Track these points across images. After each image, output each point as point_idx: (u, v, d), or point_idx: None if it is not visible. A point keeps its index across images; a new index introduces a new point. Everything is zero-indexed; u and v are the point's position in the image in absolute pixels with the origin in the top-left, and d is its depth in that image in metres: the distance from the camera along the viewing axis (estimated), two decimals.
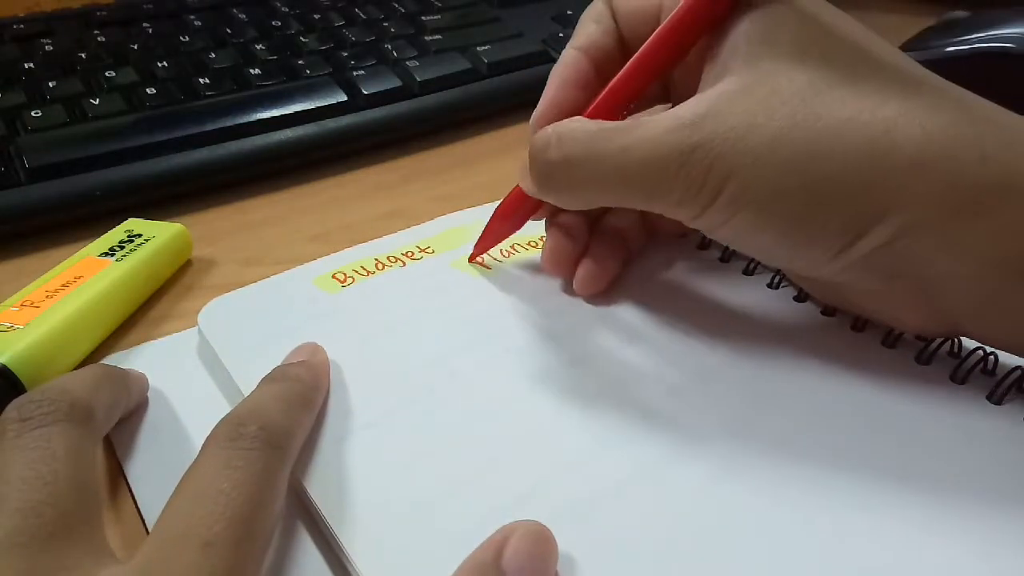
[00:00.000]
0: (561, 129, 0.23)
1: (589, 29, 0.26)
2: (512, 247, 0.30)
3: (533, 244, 0.30)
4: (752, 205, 0.21)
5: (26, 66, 0.38)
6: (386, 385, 0.23)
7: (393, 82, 0.40)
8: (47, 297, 0.26)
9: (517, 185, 0.27)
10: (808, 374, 0.23)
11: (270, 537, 0.18)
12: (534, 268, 0.29)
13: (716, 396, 0.23)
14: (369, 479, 0.20)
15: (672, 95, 0.27)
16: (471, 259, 0.29)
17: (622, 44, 0.26)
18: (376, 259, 0.29)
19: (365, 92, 0.39)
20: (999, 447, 0.21)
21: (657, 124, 0.21)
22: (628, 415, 0.22)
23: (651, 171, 0.21)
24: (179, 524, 0.16)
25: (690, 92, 0.22)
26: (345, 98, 0.38)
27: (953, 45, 0.44)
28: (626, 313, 0.26)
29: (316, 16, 0.46)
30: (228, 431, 0.19)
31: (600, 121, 0.23)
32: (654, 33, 0.23)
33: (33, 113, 0.35)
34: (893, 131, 0.20)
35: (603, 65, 0.26)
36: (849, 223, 0.20)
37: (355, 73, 0.40)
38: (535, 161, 0.24)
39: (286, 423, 0.20)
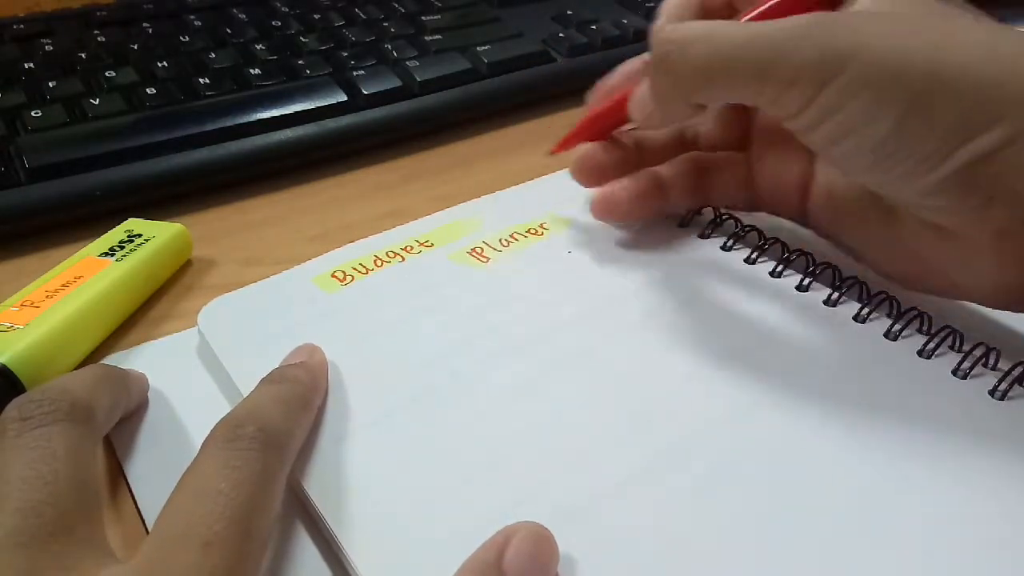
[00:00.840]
0: (686, 23, 0.23)
1: None
2: (512, 236, 0.30)
3: (533, 232, 0.30)
4: (872, 88, 0.20)
5: (26, 66, 0.38)
6: (386, 384, 0.23)
7: (393, 82, 0.40)
8: (47, 297, 0.26)
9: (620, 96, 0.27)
10: (809, 367, 0.23)
11: (269, 537, 0.18)
12: (533, 258, 0.29)
13: (716, 392, 0.23)
14: (369, 479, 0.20)
15: None
16: (553, 151, 0.30)
17: None
18: (375, 255, 0.29)
19: (365, 92, 0.39)
20: (1001, 442, 0.21)
21: (785, 19, 0.21)
22: (628, 413, 0.22)
23: (769, 43, 0.21)
24: (178, 524, 0.16)
25: None
26: (345, 98, 0.38)
27: None
28: (627, 306, 0.26)
29: (316, 16, 0.45)
30: (226, 432, 0.19)
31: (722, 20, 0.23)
32: None
33: (33, 113, 0.35)
34: (1008, 48, 0.20)
35: (712, 7, 0.26)
36: (963, 120, 0.20)
37: (355, 73, 0.40)
38: (657, 42, 0.24)
39: (284, 424, 0.20)
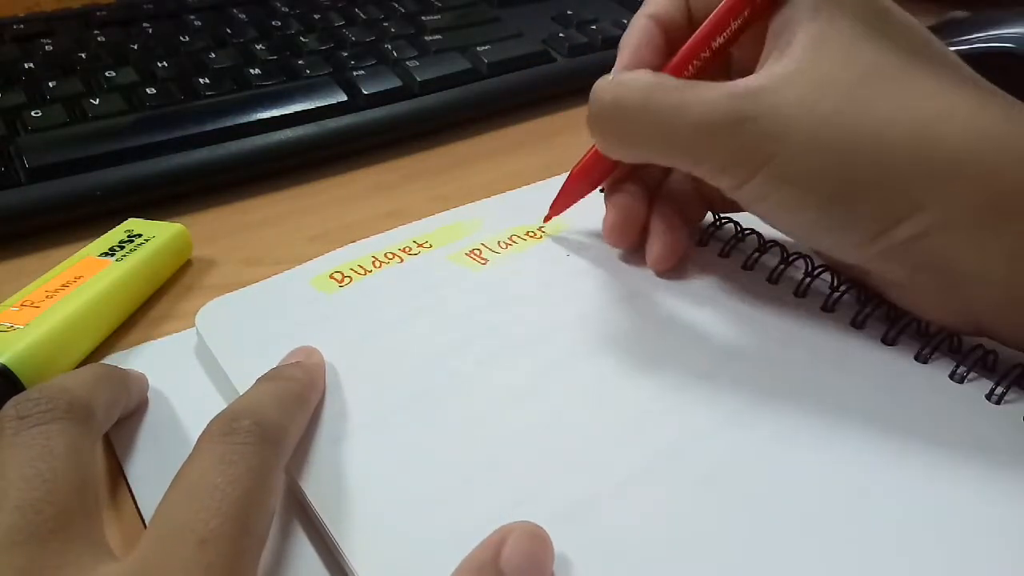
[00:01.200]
0: (622, 76, 0.24)
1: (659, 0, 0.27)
2: (511, 238, 0.30)
3: (531, 235, 0.30)
4: (793, 183, 0.21)
5: (26, 66, 0.38)
6: (384, 385, 0.23)
7: (393, 82, 0.40)
8: (47, 297, 0.26)
9: (594, 146, 0.27)
10: (807, 371, 0.23)
11: (266, 532, 0.18)
12: (532, 260, 0.29)
13: (716, 394, 0.23)
14: (366, 479, 0.20)
15: (732, 72, 0.28)
16: (546, 219, 0.30)
17: (689, 15, 0.26)
18: (373, 256, 0.29)
19: (365, 92, 0.39)
20: (999, 447, 0.21)
21: (716, 89, 0.22)
22: (628, 413, 0.22)
23: (702, 133, 0.22)
24: (175, 520, 0.16)
25: (750, 70, 0.23)
26: (345, 98, 0.38)
27: (953, 45, 0.44)
28: (625, 308, 0.26)
29: (316, 16, 0.45)
30: (222, 426, 0.19)
31: (662, 75, 0.24)
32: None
33: (33, 113, 0.35)
34: (937, 126, 0.20)
35: (672, 34, 0.26)
36: (884, 213, 0.21)
37: (355, 73, 0.40)
38: (592, 102, 0.24)
39: (280, 418, 0.20)
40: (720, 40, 0.24)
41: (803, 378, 0.23)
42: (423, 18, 0.46)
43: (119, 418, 0.23)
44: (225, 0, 0.47)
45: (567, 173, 0.29)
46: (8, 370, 0.23)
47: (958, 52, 0.44)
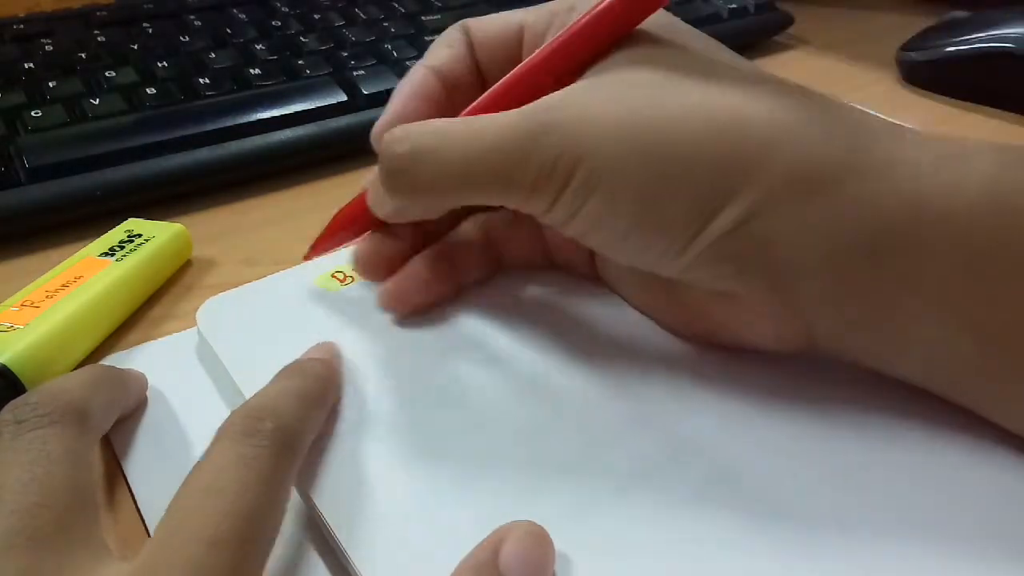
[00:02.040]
0: (411, 126, 0.22)
1: (441, 52, 0.26)
2: None
3: None
4: (603, 188, 0.20)
5: (26, 66, 0.38)
6: (385, 386, 0.23)
7: (393, 82, 0.39)
8: (47, 297, 0.26)
9: (362, 191, 0.25)
10: (806, 372, 0.23)
11: (275, 537, 0.18)
12: None
13: (715, 395, 0.23)
14: (367, 479, 0.20)
15: None
16: (306, 257, 0.27)
17: (477, 70, 0.25)
18: None
19: (365, 92, 0.39)
20: (997, 449, 0.21)
21: (510, 112, 0.21)
22: (628, 415, 0.22)
23: (502, 155, 0.21)
24: (185, 521, 0.16)
25: None
26: (345, 98, 0.38)
27: (953, 45, 0.44)
28: (624, 310, 0.26)
29: (316, 16, 0.46)
30: (243, 425, 0.18)
31: (449, 119, 0.22)
32: (542, 48, 0.23)
33: (33, 113, 0.35)
34: (740, 113, 0.20)
35: (453, 87, 0.25)
36: (699, 205, 0.20)
37: (355, 73, 0.40)
38: (384, 157, 0.22)
39: (300, 423, 0.20)
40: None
41: (801, 380, 0.23)
42: (423, 18, 0.46)
43: (119, 418, 0.23)
44: (225, 0, 0.47)
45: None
46: (8, 370, 0.23)
47: (958, 52, 0.44)
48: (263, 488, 0.17)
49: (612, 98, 0.20)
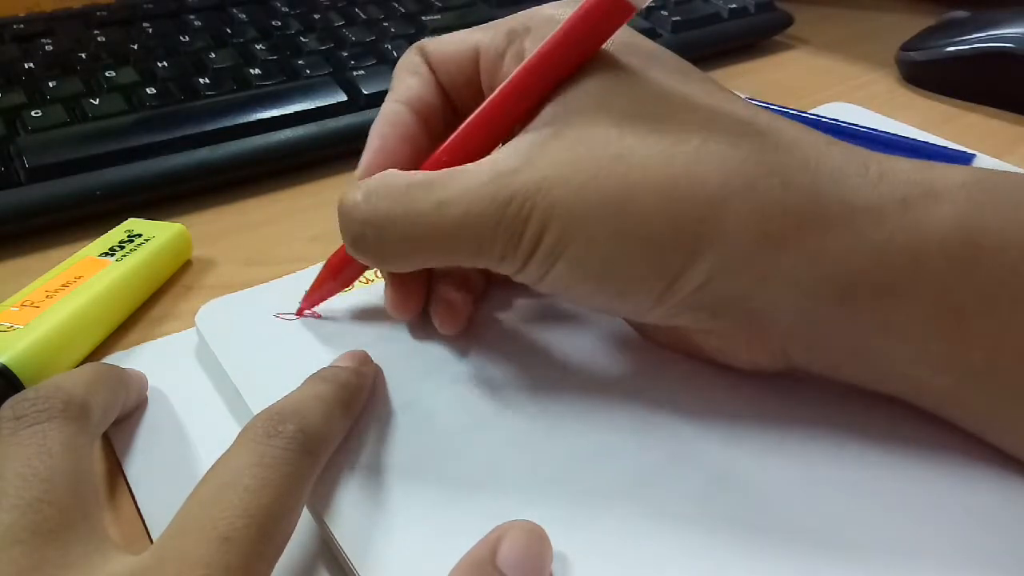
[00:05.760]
0: (370, 185, 0.22)
1: (408, 82, 0.25)
2: None
3: None
4: (568, 254, 0.20)
5: (26, 66, 0.38)
6: (385, 390, 0.23)
7: None
8: (47, 297, 0.26)
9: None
10: (807, 378, 0.23)
11: (286, 541, 0.18)
12: None
13: (716, 400, 0.23)
14: (368, 480, 0.20)
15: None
16: (299, 313, 0.26)
17: (443, 94, 0.25)
18: None
19: (365, 92, 0.39)
20: (996, 455, 0.21)
21: (474, 175, 0.21)
22: (628, 419, 0.22)
23: (471, 228, 0.20)
24: (201, 515, 0.16)
25: None
26: (345, 98, 0.38)
27: (953, 45, 0.44)
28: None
29: (316, 16, 0.46)
30: (267, 427, 0.18)
31: (412, 173, 0.22)
32: (505, 82, 0.22)
33: (33, 113, 0.35)
34: (692, 168, 0.19)
35: (427, 118, 0.25)
36: (663, 267, 0.20)
37: (355, 73, 0.40)
38: (342, 221, 0.22)
39: (324, 429, 0.19)
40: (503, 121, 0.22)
41: (802, 384, 0.23)
42: (423, 18, 0.46)
43: (118, 418, 0.23)
44: (225, 0, 0.47)
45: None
46: (8, 370, 0.23)
47: (958, 52, 0.44)
48: (281, 489, 0.17)
49: (575, 160, 0.20)
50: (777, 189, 0.19)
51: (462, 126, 0.23)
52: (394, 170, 0.22)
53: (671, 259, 0.20)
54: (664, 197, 0.19)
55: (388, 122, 0.24)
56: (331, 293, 0.26)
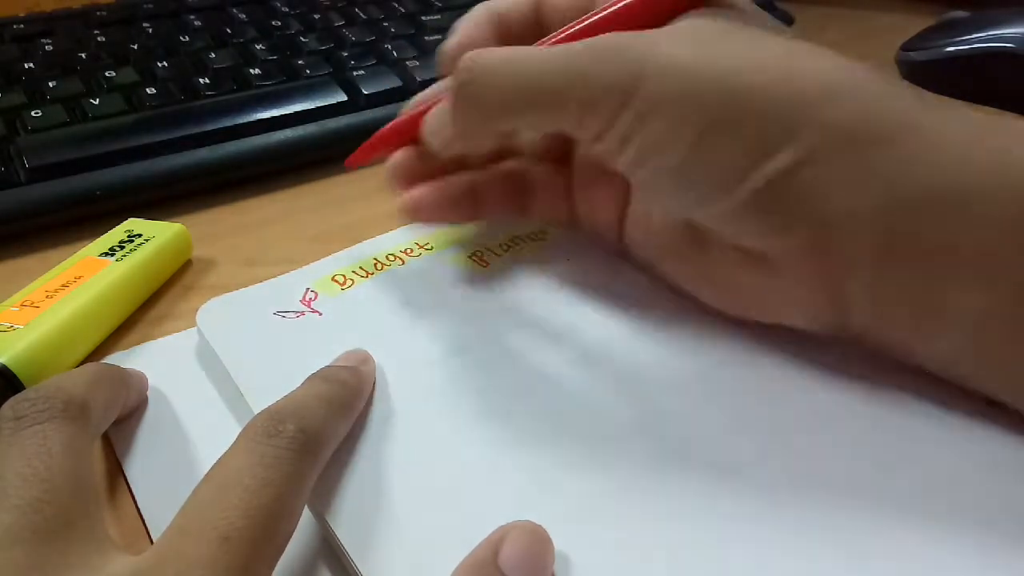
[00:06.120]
0: (480, 50, 0.23)
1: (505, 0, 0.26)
2: (511, 240, 0.30)
3: (534, 237, 0.30)
4: (662, 113, 0.20)
5: (26, 66, 0.38)
6: (386, 388, 0.23)
7: (393, 82, 0.40)
8: (47, 297, 0.26)
9: (409, 112, 0.27)
10: (807, 370, 0.23)
11: (286, 541, 0.18)
12: (534, 264, 0.29)
13: (716, 395, 0.23)
14: (368, 480, 0.20)
15: None
16: (347, 163, 0.29)
17: (538, 16, 0.26)
18: (375, 259, 0.29)
19: (365, 92, 0.39)
20: (998, 447, 0.21)
21: (580, 42, 0.22)
22: (628, 415, 0.22)
23: (568, 65, 0.22)
24: (200, 515, 0.16)
25: None
26: (345, 98, 0.38)
27: (953, 45, 0.44)
28: (627, 311, 0.26)
29: (316, 16, 0.46)
30: (266, 426, 0.18)
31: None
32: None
33: (33, 113, 0.35)
34: (806, 61, 0.20)
35: (510, 29, 0.26)
36: (755, 143, 0.20)
37: (355, 73, 0.40)
38: (459, 70, 0.23)
39: (324, 429, 0.19)
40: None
41: (802, 378, 0.23)
42: (423, 18, 0.46)
43: (119, 418, 0.23)
44: (225, 0, 0.47)
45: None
46: (8, 370, 0.23)
47: (958, 52, 0.44)
48: (281, 489, 0.17)
49: (680, 38, 0.21)
50: (878, 95, 0.20)
51: (554, 33, 0.24)
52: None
53: (763, 137, 0.20)
54: (772, 75, 0.20)
55: (475, 19, 0.26)
56: (386, 151, 0.28)
